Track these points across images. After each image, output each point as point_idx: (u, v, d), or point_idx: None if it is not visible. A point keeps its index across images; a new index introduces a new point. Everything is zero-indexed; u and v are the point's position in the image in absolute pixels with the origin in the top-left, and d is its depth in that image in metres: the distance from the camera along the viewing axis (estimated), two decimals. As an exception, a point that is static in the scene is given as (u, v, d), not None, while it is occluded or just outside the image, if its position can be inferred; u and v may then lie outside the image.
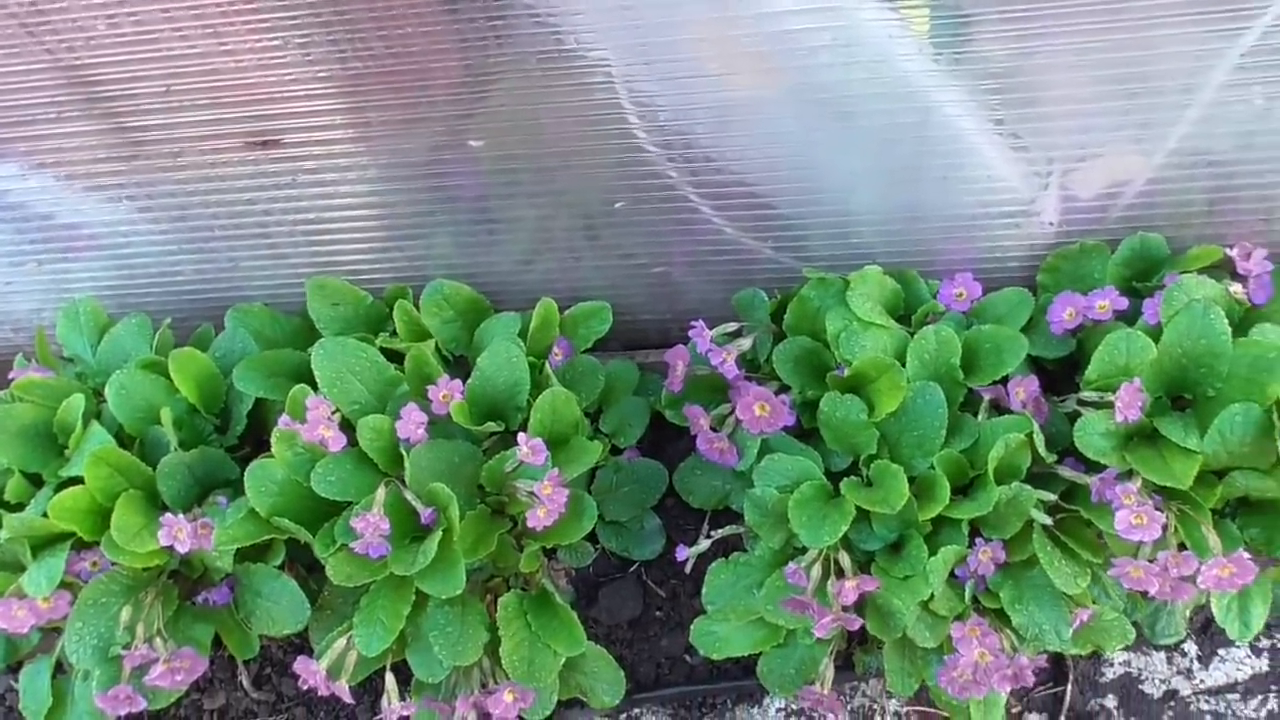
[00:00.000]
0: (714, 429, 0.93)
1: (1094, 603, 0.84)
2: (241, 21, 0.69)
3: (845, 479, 0.87)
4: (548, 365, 0.95)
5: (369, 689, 0.99)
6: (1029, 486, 0.82)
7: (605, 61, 0.76)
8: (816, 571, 0.84)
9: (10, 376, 0.99)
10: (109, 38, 0.73)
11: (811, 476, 0.88)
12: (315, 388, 0.93)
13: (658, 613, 1.02)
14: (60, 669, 0.95)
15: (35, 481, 0.94)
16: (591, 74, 0.76)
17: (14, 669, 1.00)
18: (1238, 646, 0.93)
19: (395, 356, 0.95)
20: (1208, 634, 0.93)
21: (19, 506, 0.93)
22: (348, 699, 0.86)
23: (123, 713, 0.87)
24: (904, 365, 0.87)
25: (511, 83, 0.77)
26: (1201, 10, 0.71)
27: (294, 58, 0.72)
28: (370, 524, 0.84)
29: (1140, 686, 0.93)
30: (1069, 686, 0.93)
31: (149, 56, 0.73)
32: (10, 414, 0.93)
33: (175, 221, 0.91)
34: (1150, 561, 0.78)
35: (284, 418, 0.91)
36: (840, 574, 0.84)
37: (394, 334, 0.98)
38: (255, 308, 1.00)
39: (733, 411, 0.92)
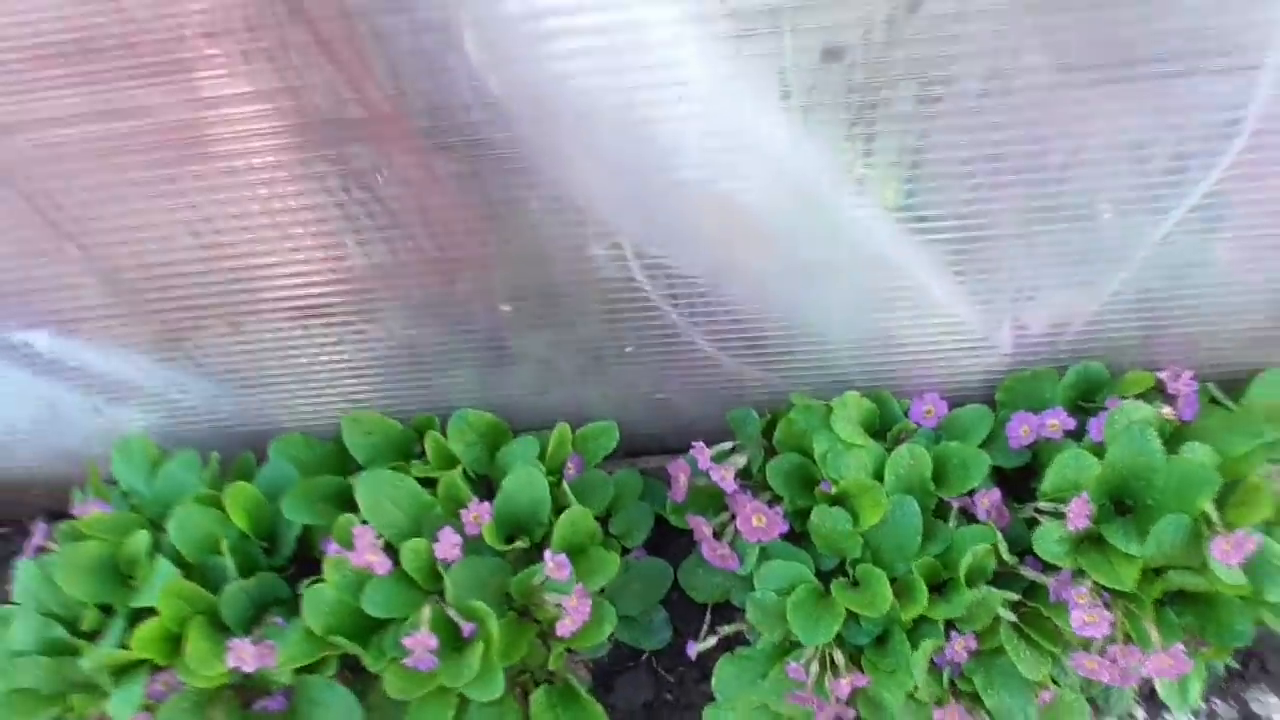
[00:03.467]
0: (716, 536, 1.05)
1: (1055, 684, 0.96)
2: (310, 231, 0.79)
3: (835, 580, 0.99)
4: (564, 483, 1.06)
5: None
6: (995, 589, 0.94)
7: (619, 235, 0.86)
8: (814, 668, 0.96)
9: (73, 511, 1.08)
10: (192, 248, 0.83)
11: (805, 579, 0.99)
12: (354, 510, 1.04)
13: (668, 696, 1.13)
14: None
15: (105, 609, 1.04)
16: (608, 248, 0.87)
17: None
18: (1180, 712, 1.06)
19: (425, 480, 1.06)
20: (1155, 700, 1.06)
21: (93, 634, 1.02)
22: (401, 797, 0.97)
23: (201, 821, 0.97)
24: (882, 481, 0.99)
25: (538, 259, 0.87)
26: (1139, 187, 0.83)
27: (352, 252, 0.82)
28: (420, 642, 0.94)
29: (1098, 749, 1.06)
30: (1037, 754, 1.05)
31: (225, 256, 0.83)
32: (80, 551, 1.02)
33: (225, 375, 1.01)
34: (1101, 654, 0.90)
35: (332, 545, 1.02)
36: (835, 670, 0.96)
37: (424, 459, 1.08)
38: (294, 438, 1.10)
39: (732, 520, 1.03)
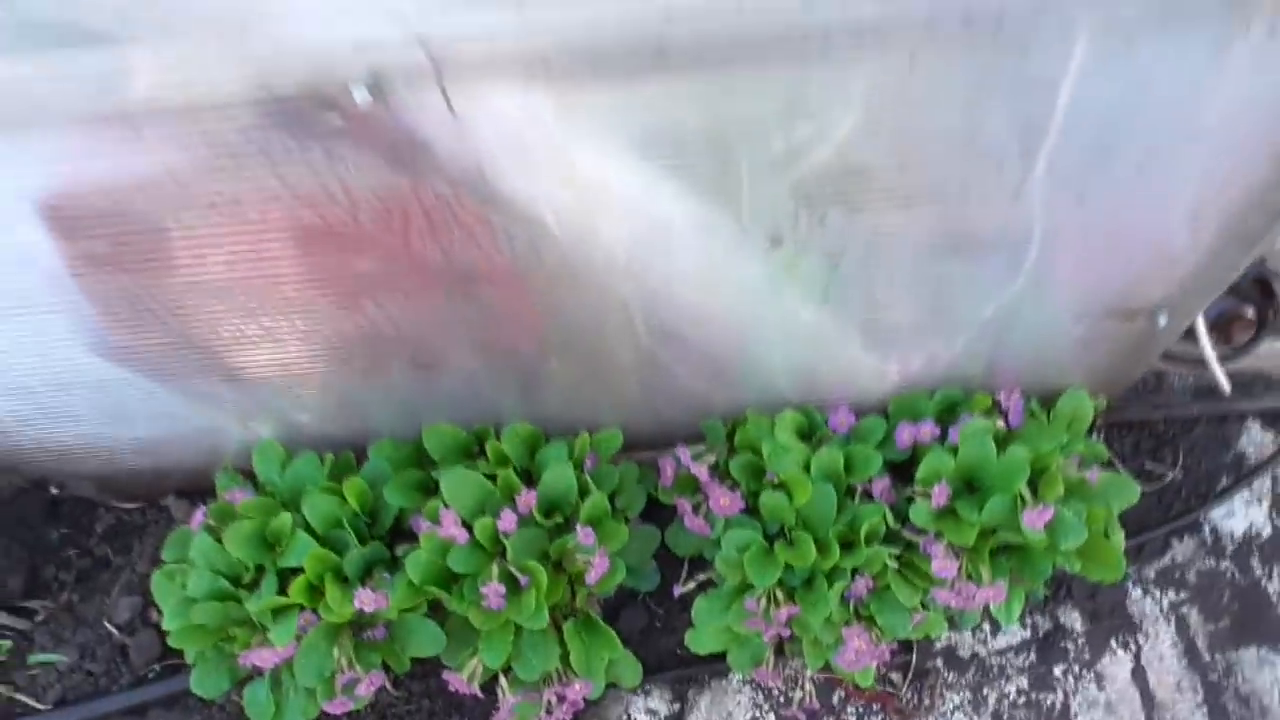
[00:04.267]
0: (694, 511, 1.48)
1: (924, 608, 1.42)
2: (436, 329, 1.19)
3: (777, 541, 1.43)
4: (585, 473, 1.49)
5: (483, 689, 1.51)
6: (884, 546, 1.38)
7: (635, 316, 1.27)
8: (763, 601, 1.40)
9: (224, 497, 1.48)
10: (352, 339, 1.22)
11: (756, 541, 1.42)
12: (435, 495, 1.45)
13: (658, 624, 1.57)
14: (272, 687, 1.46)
15: (257, 569, 1.44)
16: (619, 315, 1.28)
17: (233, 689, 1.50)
18: (1012, 624, 1.53)
19: (487, 475, 1.47)
20: (993, 618, 1.52)
21: (252, 585, 1.43)
22: (479, 694, 1.40)
23: (338, 712, 1.40)
24: (810, 472, 1.43)
25: (578, 330, 1.28)
26: (972, 292, 1.26)
27: (459, 335, 1.22)
28: (494, 590, 1.36)
29: (956, 653, 1.53)
30: (913, 657, 1.52)
31: (376, 347, 1.22)
32: (240, 527, 1.41)
33: (338, 406, 1.41)
34: (952, 588, 1.36)
35: (423, 522, 1.43)
36: (777, 603, 1.41)
37: (483, 458, 1.50)
38: (386, 442, 1.50)
39: (705, 501, 1.47)
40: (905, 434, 1.44)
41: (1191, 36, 0.80)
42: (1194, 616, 1.52)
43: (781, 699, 1.51)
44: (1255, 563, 1.54)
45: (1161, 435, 1.64)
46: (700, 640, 1.44)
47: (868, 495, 1.44)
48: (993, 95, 0.88)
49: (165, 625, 1.43)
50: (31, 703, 1.59)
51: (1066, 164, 0.97)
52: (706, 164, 0.95)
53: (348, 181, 0.90)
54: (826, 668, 1.45)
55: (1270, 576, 1.53)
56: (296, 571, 1.39)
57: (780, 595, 1.40)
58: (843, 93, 0.87)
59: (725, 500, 1.42)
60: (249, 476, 1.54)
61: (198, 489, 1.67)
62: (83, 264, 1.05)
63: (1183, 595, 1.54)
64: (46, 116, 0.84)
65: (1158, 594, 1.54)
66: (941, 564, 1.34)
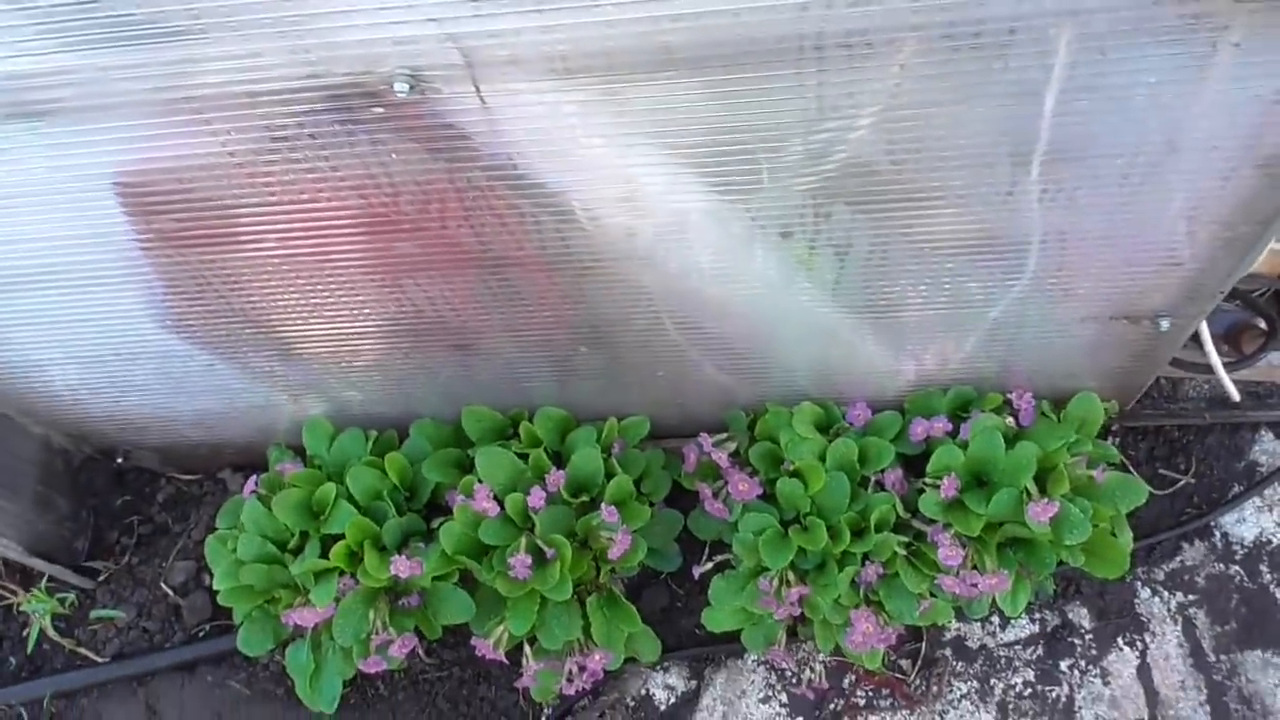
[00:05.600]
0: (714, 496, 1.55)
1: (931, 595, 1.47)
2: (471, 308, 1.28)
3: (792, 526, 1.49)
4: (612, 457, 1.57)
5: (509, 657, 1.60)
6: (894, 534, 1.44)
7: (660, 308, 1.35)
8: (776, 583, 1.47)
9: (276, 468, 1.59)
10: (398, 320, 1.33)
11: (772, 526, 1.49)
12: (470, 472, 1.54)
13: (678, 604, 1.65)
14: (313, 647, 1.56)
15: (302, 535, 1.54)
16: (645, 306, 1.36)
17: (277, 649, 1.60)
18: (1020, 618, 1.58)
19: (519, 454, 1.56)
20: (1003, 612, 1.57)
21: (297, 550, 1.53)
22: (504, 660, 1.49)
23: (373, 671, 1.49)
24: (825, 462, 1.50)
25: (606, 320, 1.37)
26: (979, 288, 1.32)
27: (494, 317, 1.31)
28: (521, 561, 1.44)
29: (965, 643, 1.58)
30: (923, 645, 1.57)
31: (413, 325, 1.32)
32: (288, 495, 1.51)
33: (385, 385, 1.51)
34: (956, 576, 1.41)
35: (458, 496, 1.52)
36: (789, 584, 1.47)
37: (517, 439, 1.59)
38: (427, 422, 1.60)
39: (725, 487, 1.54)
40: (919, 429, 1.50)
41: (1162, 50, 0.86)
42: (1201, 618, 1.55)
43: (794, 680, 1.57)
44: (1264, 569, 1.57)
45: (1176, 442, 1.68)
46: (716, 618, 1.51)
47: (880, 486, 1.50)
48: (981, 102, 0.95)
49: (216, 585, 1.53)
50: (92, 655, 1.71)
51: (1057, 168, 1.03)
52: (717, 159, 1.03)
53: (390, 167, 1.00)
54: (837, 651, 1.51)
55: (1279, 583, 1.56)
56: (338, 538, 1.49)
57: (792, 577, 1.46)
58: (840, 97, 0.94)
59: (744, 485, 1.50)
60: (299, 452, 1.65)
61: (252, 464, 1.78)
62: (152, 240, 1.15)
63: (1191, 597, 1.57)
64: (124, 103, 0.95)
65: (1166, 595, 1.58)
66: (948, 551, 1.40)
